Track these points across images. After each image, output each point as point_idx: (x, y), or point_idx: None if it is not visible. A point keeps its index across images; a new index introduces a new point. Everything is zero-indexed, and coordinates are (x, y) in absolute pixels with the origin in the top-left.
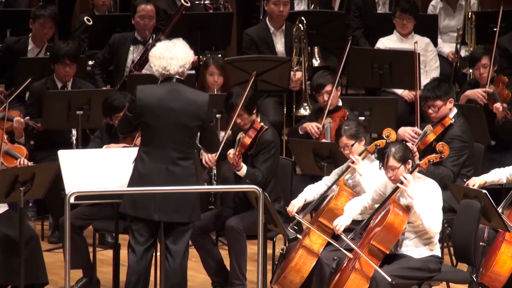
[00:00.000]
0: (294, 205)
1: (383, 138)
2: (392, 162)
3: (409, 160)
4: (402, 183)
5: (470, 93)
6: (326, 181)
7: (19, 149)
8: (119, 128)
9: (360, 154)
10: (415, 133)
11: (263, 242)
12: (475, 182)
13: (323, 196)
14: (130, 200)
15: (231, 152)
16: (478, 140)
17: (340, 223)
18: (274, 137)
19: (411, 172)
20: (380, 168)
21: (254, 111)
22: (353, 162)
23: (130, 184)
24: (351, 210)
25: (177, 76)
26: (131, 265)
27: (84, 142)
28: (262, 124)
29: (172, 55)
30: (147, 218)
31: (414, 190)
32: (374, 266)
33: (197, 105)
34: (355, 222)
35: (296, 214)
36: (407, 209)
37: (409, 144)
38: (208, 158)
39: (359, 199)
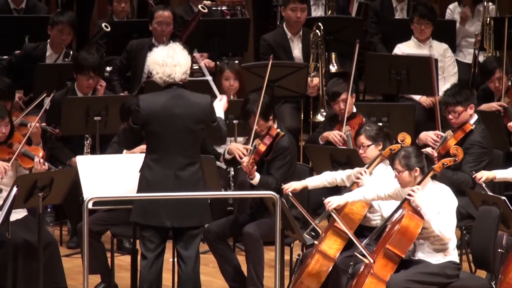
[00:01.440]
0: (292, 185)
1: (399, 143)
2: (397, 165)
3: (416, 168)
4: (409, 195)
5: (485, 107)
6: (344, 175)
7: (35, 149)
8: (124, 142)
9: (375, 159)
10: (438, 137)
11: (281, 248)
12: (482, 175)
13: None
14: (139, 208)
15: (245, 160)
16: (497, 147)
17: (332, 201)
18: (290, 144)
19: (425, 176)
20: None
21: (271, 118)
22: (358, 178)
23: (139, 192)
24: (351, 194)
25: (180, 82)
26: (143, 272)
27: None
28: (278, 130)
29: (175, 62)
30: (158, 226)
31: (422, 199)
32: (384, 273)
33: (200, 107)
34: (369, 229)
35: (290, 193)
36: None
37: (429, 150)
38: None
39: (372, 189)
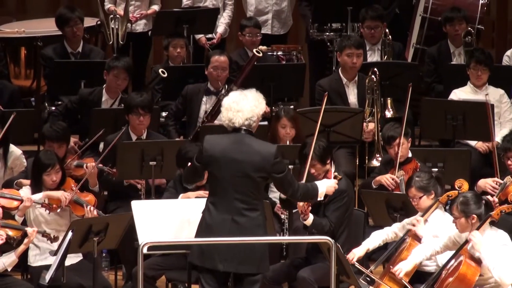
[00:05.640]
0: (355, 254)
1: (456, 189)
2: (455, 211)
3: (473, 215)
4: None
5: None
6: (395, 228)
7: (87, 196)
8: (185, 177)
9: (430, 207)
10: (496, 184)
11: None
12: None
13: (394, 247)
14: (197, 250)
15: None
16: None
17: (401, 269)
18: (348, 187)
19: (482, 223)
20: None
21: (328, 161)
22: (414, 225)
23: (197, 234)
24: (415, 256)
25: (244, 128)
26: None
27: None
28: (335, 173)
29: (239, 108)
30: (212, 269)
31: (482, 244)
32: None
33: (262, 156)
34: (427, 274)
35: (356, 262)
36: (480, 260)
37: (489, 197)
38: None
39: (429, 245)
